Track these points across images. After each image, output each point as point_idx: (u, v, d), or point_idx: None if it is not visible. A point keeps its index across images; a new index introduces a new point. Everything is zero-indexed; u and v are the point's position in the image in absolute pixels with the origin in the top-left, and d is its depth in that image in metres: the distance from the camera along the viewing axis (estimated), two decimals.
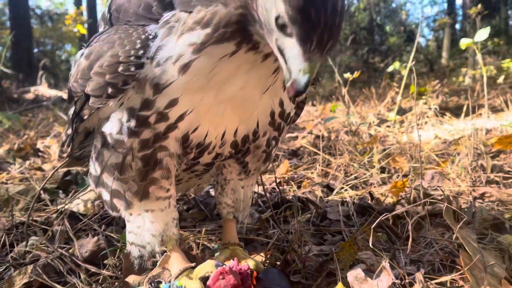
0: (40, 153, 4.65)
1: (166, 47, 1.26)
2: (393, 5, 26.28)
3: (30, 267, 1.78)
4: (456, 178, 2.71)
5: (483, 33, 4.42)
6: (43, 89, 14.79)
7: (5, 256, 2.06)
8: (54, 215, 2.49)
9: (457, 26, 22.60)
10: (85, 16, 19.67)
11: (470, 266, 1.31)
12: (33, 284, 1.72)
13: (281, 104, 1.54)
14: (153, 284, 1.49)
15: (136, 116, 1.35)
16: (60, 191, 3.00)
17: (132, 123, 1.36)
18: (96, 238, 2.03)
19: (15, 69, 15.98)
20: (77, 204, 2.58)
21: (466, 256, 1.37)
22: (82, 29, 14.55)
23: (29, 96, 13.93)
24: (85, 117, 1.46)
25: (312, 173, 3.24)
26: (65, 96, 13.17)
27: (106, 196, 1.58)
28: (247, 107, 1.45)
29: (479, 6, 8.80)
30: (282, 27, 1.08)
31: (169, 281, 1.48)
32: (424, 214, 2.05)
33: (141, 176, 1.46)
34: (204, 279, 1.43)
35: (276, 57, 1.18)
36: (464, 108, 4.99)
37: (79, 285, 1.70)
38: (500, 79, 8.91)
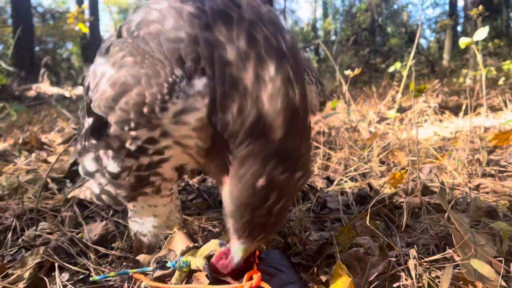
0: (45, 146, 4.73)
1: (190, 115, 1.31)
2: (395, 6, 26.36)
3: (41, 248, 1.86)
4: (453, 171, 2.79)
5: (482, 32, 4.50)
6: (45, 87, 14.87)
7: (16, 240, 2.13)
8: (62, 203, 2.57)
9: (459, 28, 22.66)
10: (86, 15, 19.74)
11: (461, 244, 1.39)
12: (45, 264, 1.80)
13: None
14: (159, 263, 1.56)
15: (138, 145, 1.42)
16: (67, 181, 3.08)
17: (133, 147, 1.43)
18: (104, 222, 2.11)
19: (17, 66, 16.04)
20: (84, 191, 2.65)
21: (457, 235, 1.45)
22: (84, 28, 14.57)
23: (31, 93, 14.00)
24: (102, 137, 1.51)
25: (312, 166, 3.31)
26: (67, 94, 13.27)
27: (95, 189, 1.67)
28: None
29: (480, 7, 8.86)
30: None
31: (175, 260, 1.55)
32: (420, 203, 2.12)
33: (132, 188, 1.56)
34: (208, 258, 1.51)
35: None
36: (463, 107, 5.06)
37: (89, 266, 1.78)
38: (501, 81, 8.97)
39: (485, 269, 1.23)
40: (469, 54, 14.27)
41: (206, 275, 1.43)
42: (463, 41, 4.66)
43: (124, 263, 1.78)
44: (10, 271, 1.75)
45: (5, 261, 1.89)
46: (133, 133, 1.37)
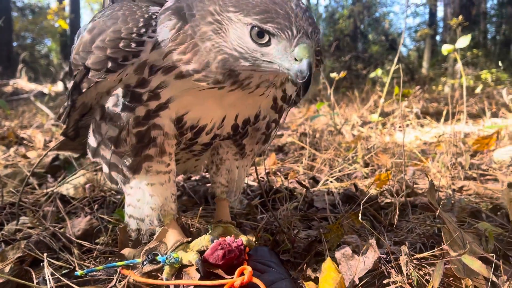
0: (24, 141, 4.61)
1: (164, 29, 1.32)
2: (377, 14, 26.74)
3: (23, 243, 1.80)
4: (437, 173, 2.83)
5: (464, 40, 4.60)
6: (22, 83, 14.55)
7: None
8: (43, 198, 2.50)
9: (438, 38, 23.16)
10: (67, 12, 19.42)
11: (450, 242, 1.41)
12: (26, 258, 1.74)
13: (283, 89, 1.61)
14: (149, 256, 1.53)
15: (131, 92, 1.41)
16: (49, 176, 3.01)
17: (127, 98, 1.42)
18: (88, 217, 2.06)
19: None
20: (67, 189, 2.59)
21: (447, 232, 1.47)
22: (64, 24, 14.27)
23: (8, 89, 13.68)
24: (83, 90, 1.47)
25: (298, 166, 3.32)
26: (46, 90, 12.99)
27: (105, 168, 1.63)
28: (244, 101, 1.53)
29: (460, 17, 9.08)
30: (259, 35, 1.20)
31: (166, 254, 1.53)
32: (405, 203, 2.14)
33: (135, 152, 1.52)
34: (200, 253, 1.49)
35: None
36: (444, 113, 5.16)
37: (73, 261, 1.73)
38: (478, 89, 9.20)
39: (476, 264, 1.25)
40: (448, 63, 14.65)
41: (197, 269, 1.41)
42: (445, 48, 4.75)
43: (109, 258, 1.75)
44: None
45: None
46: (115, 76, 1.37)
